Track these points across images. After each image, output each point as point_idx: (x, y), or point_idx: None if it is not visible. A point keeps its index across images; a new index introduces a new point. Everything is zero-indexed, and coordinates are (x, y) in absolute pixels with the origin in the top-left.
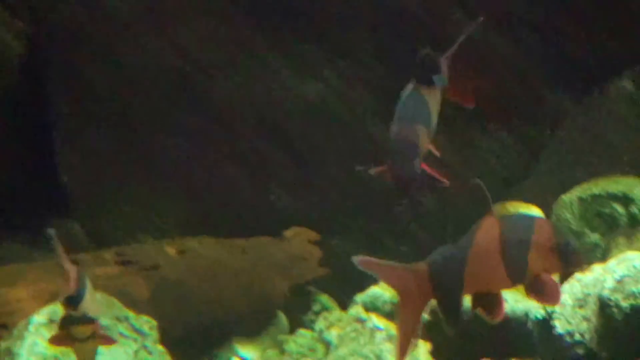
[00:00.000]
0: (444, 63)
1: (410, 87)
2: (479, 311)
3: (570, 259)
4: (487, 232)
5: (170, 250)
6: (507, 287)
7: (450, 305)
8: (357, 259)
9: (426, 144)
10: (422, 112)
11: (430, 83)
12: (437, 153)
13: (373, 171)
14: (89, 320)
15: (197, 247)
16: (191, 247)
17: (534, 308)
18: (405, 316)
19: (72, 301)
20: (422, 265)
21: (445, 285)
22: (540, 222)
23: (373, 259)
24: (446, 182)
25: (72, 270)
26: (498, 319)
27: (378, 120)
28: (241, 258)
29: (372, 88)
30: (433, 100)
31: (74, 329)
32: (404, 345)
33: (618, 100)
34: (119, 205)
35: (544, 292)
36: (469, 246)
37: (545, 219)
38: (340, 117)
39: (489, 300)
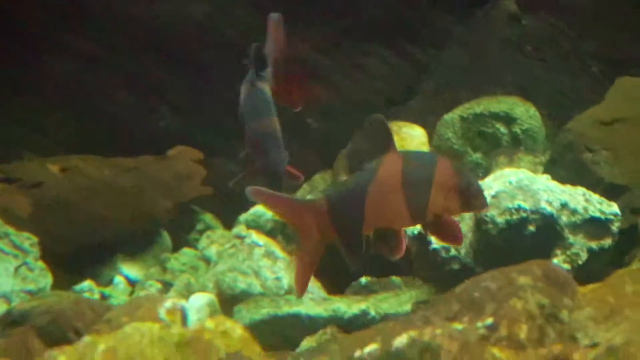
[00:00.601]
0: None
1: (248, 80)
2: (380, 247)
3: (471, 201)
4: (389, 168)
5: (53, 168)
6: (408, 225)
7: (351, 240)
8: (250, 190)
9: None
10: (269, 104)
11: (261, 77)
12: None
13: (234, 182)
14: None
15: (80, 166)
16: (74, 165)
17: None
18: (304, 252)
19: None
20: (320, 201)
21: (345, 221)
22: (442, 161)
23: (267, 191)
24: (301, 177)
25: None
26: (398, 256)
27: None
28: (125, 177)
29: (258, 7)
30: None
31: None
32: (303, 281)
33: (502, 20)
34: (4, 123)
35: (444, 232)
36: (369, 182)
37: (448, 159)
38: (227, 37)
39: (390, 237)
